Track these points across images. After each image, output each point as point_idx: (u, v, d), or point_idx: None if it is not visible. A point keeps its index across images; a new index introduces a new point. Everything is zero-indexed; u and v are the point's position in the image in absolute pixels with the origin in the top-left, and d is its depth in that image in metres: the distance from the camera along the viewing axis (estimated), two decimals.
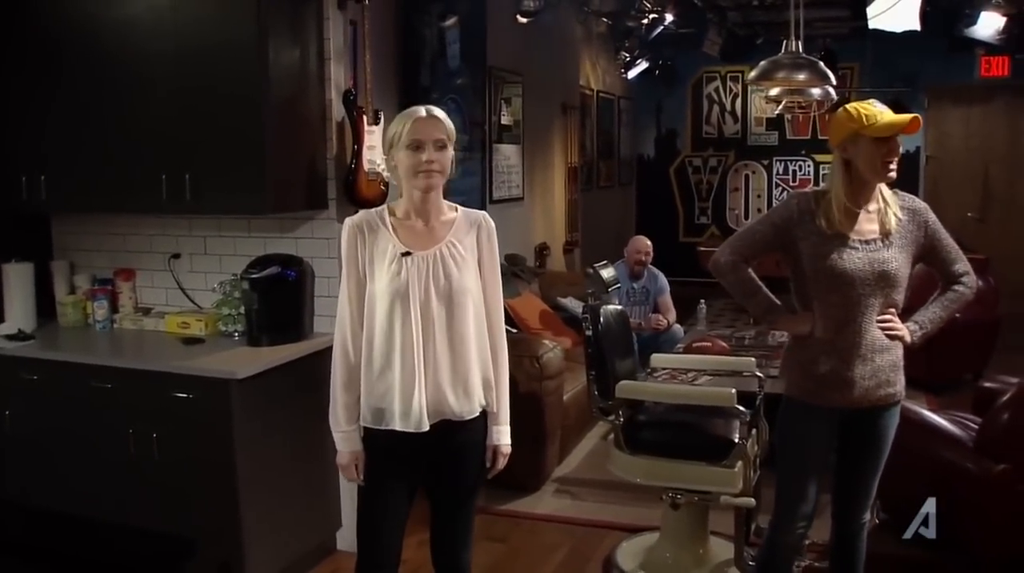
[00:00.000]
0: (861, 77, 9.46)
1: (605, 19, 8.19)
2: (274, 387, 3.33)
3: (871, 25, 6.03)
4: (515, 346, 4.60)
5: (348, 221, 2.45)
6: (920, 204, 2.73)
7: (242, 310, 3.62)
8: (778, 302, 2.80)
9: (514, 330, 5.35)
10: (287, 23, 3.39)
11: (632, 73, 8.80)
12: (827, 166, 9.75)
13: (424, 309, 2.37)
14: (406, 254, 2.38)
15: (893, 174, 2.60)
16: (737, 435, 3.33)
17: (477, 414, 2.49)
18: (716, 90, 10.37)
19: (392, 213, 2.46)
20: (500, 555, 3.84)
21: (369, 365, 2.41)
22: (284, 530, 3.40)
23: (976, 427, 3.65)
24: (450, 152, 2.39)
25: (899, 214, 2.67)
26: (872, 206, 2.66)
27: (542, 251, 7.46)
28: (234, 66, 3.29)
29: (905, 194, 2.75)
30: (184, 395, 3.23)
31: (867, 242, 2.63)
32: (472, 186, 5.91)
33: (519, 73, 6.76)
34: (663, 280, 6.15)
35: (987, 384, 4.34)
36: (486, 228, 2.52)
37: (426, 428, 2.38)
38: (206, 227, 3.87)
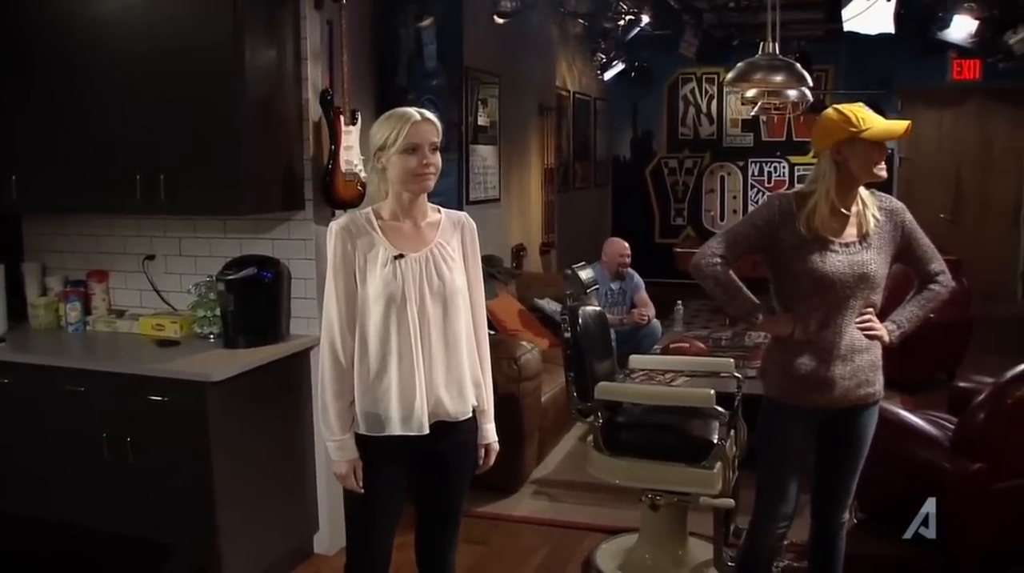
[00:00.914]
0: (836, 79, 9.54)
1: (582, 20, 8.18)
2: (250, 389, 3.29)
3: (846, 28, 6.08)
4: (494, 348, 4.51)
5: (335, 225, 2.42)
6: (897, 204, 2.75)
7: (218, 312, 3.58)
8: (760, 303, 2.81)
9: (492, 332, 5.34)
10: (263, 23, 3.35)
11: (608, 74, 8.82)
12: (803, 168, 9.85)
13: (420, 311, 2.36)
14: (399, 257, 2.36)
15: (884, 174, 2.63)
16: (716, 436, 3.34)
17: (470, 414, 2.48)
18: (692, 92, 10.42)
19: (378, 216, 2.44)
20: (479, 557, 3.83)
21: (363, 371, 2.38)
22: (261, 534, 3.37)
23: (952, 427, 3.68)
24: (439, 154, 2.38)
25: (877, 215, 2.68)
26: (852, 208, 2.67)
27: (519, 252, 7.45)
28: (209, 66, 3.24)
29: (882, 194, 2.77)
30: (158, 398, 3.19)
31: (847, 244, 2.64)
32: (449, 187, 5.88)
33: (496, 74, 6.76)
34: (638, 278, 6.27)
35: (961, 384, 4.38)
36: (469, 228, 2.52)
37: (426, 430, 2.37)
38: (181, 228, 3.82)
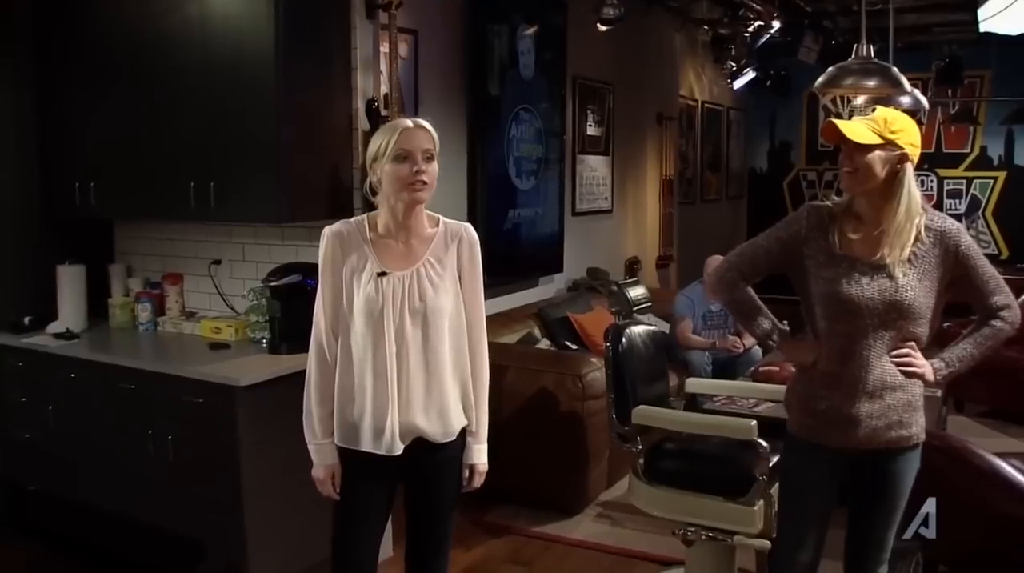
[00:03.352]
0: (992, 85, 8.76)
1: (707, 27, 7.89)
2: (282, 395, 3.31)
3: (982, 28, 5.58)
4: (558, 363, 4.52)
5: (327, 231, 2.39)
6: (951, 225, 2.43)
7: (268, 317, 3.65)
8: (781, 326, 2.57)
9: (576, 347, 5.22)
10: (309, 34, 3.40)
11: (738, 83, 8.45)
12: (953, 182, 9.11)
13: (399, 331, 2.30)
14: (382, 274, 2.31)
15: (844, 184, 2.39)
16: (759, 471, 3.09)
17: (454, 438, 2.40)
18: (832, 101, 9.82)
19: (372, 227, 2.39)
20: None
21: (344, 381, 2.36)
22: (290, 540, 3.39)
23: None
24: (436, 164, 2.30)
25: (922, 236, 2.38)
26: (890, 226, 2.38)
27: (632, 265, 7.26)
28: (253, 77, 3.33)
29: (936, 213, 2.46)
30: (196, 399, 3.27)
31: (879, 267, 2.36)
32: (549, 198, 5.80)
33: (608, 83, 6.61)
34: None
35: None
36: (467, 241, 2.42)
37: (398, 452, 2.32)
38: (245, 234, 3.94)
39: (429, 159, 2.28)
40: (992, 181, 9.11)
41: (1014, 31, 5.51)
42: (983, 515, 3.25)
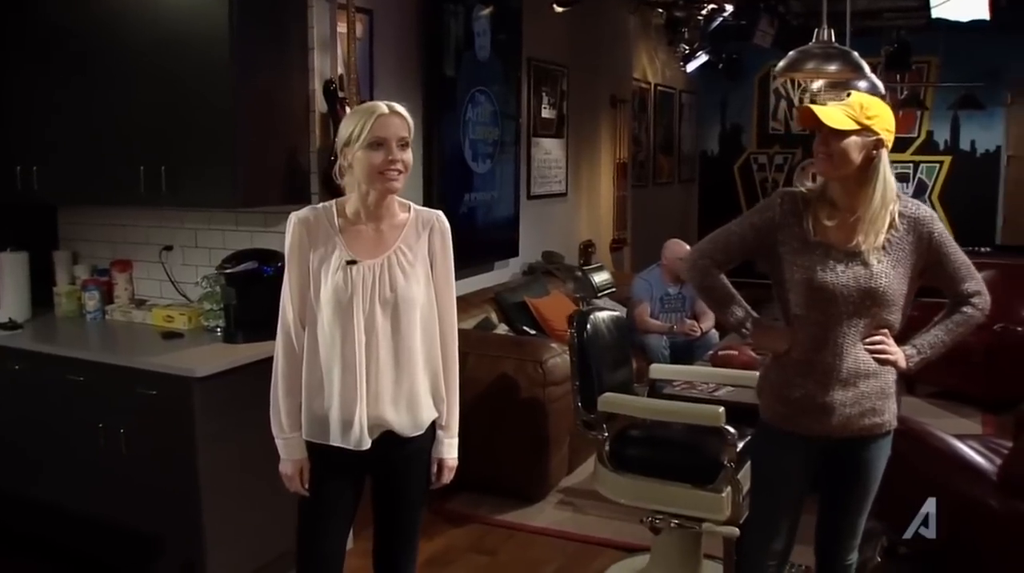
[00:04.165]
0: (939, 71, 8.90)
1: (661, 10, 7.87)
2: (240, 386, 3.22)
3: (934, 14, 5.64)
4: (519, 349, 4.47)
5: (294, 216, 2.30)
6: (925, 212, 2.42)
7: (223, 305, 3.53)
8: (754, 314, 2.55)
9: (532, 332, 5.17)
10: (264, 12, 3.28)
11: (691, 66, 8.46)
12: (900, 166, 9.25)
13: (368, 322, 2.23)
14: (351, 262, 2.23)
15: (818, 166, 2.39)
16: (726, 457, 3.08)
17: (423, 431, 2.34)
18: (783, 85, 9.93)
19: (341, 213, 2.30)
20: (482, 569, 3.67)
21: (311, 373, 2.28)
22: (249, 535, 3.29)
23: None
24: (411, 151, 2.22)
25: (896, 223, 2.37)
26: (865, 213, 2.37)
27: (587, 249, 7.22)
28: (206, 57, 3.20)
29: (910, 199, 2.46)
30: (149, 392, 3.16)
31: (854, 254, 2.35)
32: (505, 181, 5.73)
33: (563, 65, 6.55)
34: None
35: None
36: (439, 230, 2.35)
37: (367, 446, 2.26)
38: (197, 220, 3.81)
39: (404, 146, 2.21)
40: (938, 165, 9.27)
41: (965, 18, 5.58)
42: (943, 496, 3.30)
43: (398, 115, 2.21)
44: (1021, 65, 8.39)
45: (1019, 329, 5.49)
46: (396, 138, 2.19)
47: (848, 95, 2.41)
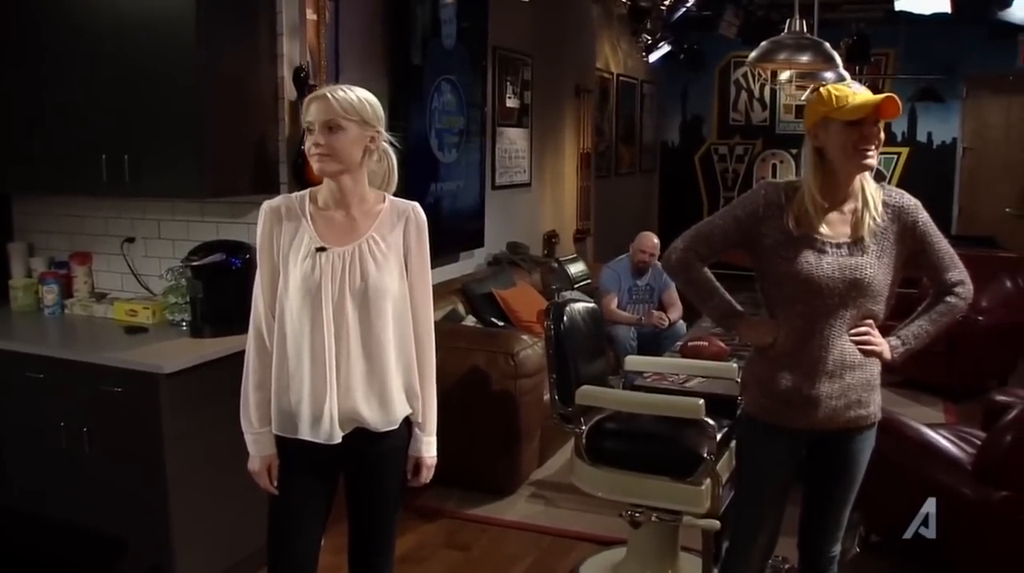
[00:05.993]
0: (897, 64, 9.01)
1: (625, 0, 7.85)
2: (209, 382, 3.13)
3: (897, 7, 5.66)
4: (490, 341, 4.41)
5: (265, 205, 2.24)
6: (908, 201, 2.41)
7: (189, 298, 3.43)
8: (738, 307, 2.52)
9: (500, 324, 5.12)
10: None
11: (653, 56, 8.46)
12: None
13: (337, 311, 2.16)
14: (321, 249, 2.16)
15: (870, 162, 2.28)
16: (706, 450, 3.06)
17: (397, 426, 2.27)
18: (744, 76, 9.99)
19: (313, 200, 2.24)
20: (458, 565, 3.62)
21: (281, 366, 2.21)
22: (218, 534, 3.21)
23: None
24: (350, 134, 2.13)
25: (880, 213, 2.36)
26: (848, 205, 2.36)
27: (551, 239, 7.19)
28: (170, 41, 3.09)
29: (893, 189, 2.44)
30: (114, 389, 3.05)
31: (839, 245, 2.33)
32: (471, 171, 5.67)
33: (527, 54, 6.49)
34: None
35: (999, 397, 4.01)
36: (415, 221, 2.29)
37: (337, 440, 2.19)
38: (160, 210, 3.69)
39: (332, 129, 2.12)
40: (896, 156, 9.39)
41: (927, 10, 5.62)
42: (917, 484, 3.33)
43: (323, 99, 2.14)
44: (977, 60, 8.52)
45: (979, 319, 5.57)
46: (320, 122, 2.12)
47: (817, 88, 2.37)
